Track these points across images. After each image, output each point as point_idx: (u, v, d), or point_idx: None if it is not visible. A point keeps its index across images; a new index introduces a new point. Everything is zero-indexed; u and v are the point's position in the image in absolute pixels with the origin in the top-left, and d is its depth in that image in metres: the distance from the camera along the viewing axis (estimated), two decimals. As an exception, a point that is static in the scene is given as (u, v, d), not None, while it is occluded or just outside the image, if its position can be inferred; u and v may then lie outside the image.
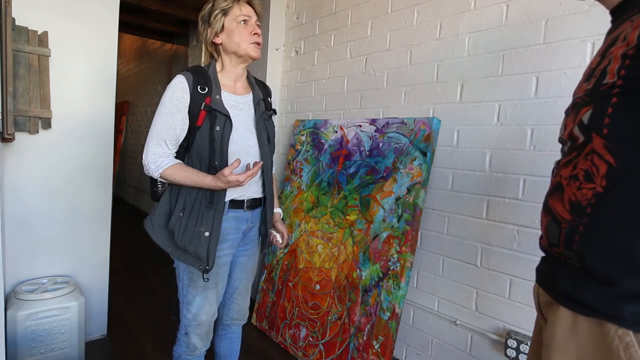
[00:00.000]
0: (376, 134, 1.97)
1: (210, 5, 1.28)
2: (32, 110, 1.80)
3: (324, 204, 2.15)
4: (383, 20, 2.06)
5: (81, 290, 1.97)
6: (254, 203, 1.35)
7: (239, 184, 1.17)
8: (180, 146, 1.26)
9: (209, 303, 1.31)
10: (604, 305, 0.57)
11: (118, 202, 6.08)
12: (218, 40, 1.29)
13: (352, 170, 2.04)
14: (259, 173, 1.35)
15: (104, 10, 2.00)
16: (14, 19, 1.72)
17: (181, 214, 1.22)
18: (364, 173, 1.98)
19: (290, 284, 2.21)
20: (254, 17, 1.31)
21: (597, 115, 0.60)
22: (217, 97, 1.24)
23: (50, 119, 1.86)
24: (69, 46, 1.91)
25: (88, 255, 2.07)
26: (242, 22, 1.27)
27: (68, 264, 2.01)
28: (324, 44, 2.43)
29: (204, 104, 1.21)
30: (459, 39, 1.72)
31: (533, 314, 1.45)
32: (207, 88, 1.23)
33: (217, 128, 1.22)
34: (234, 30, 1.27)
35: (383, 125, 1.95)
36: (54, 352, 1.81)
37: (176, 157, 1.27)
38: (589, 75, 0.68)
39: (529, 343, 1.43)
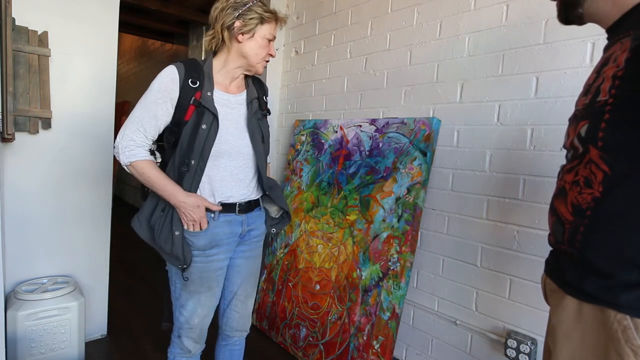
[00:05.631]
0: (376, 134, 1.97)
1: (251, 2, 1.22)
2: (32, 110, 1.80)
3: (324, 204, 2.15)
4: (383, 20, 2.06)
5: (81, 290, 1.97)
6: (247, 206, 1.31)
7: (194, 223, 1.18)
8: (167, 142, 1.22)
9: (202, 306, 1.28)
10: (604, 295, 0.65)
11: (118, 202, 6.07)
12: (241, 39, 1.23)
13: (352, 170, 2.04)
14: (254, 174, 1.33)
15: (104, 10, 2.00)
16: (14, 19, 1.72)
17: (162, 213, 1.20)
18: (364, 173, 1.98)
19: (290, 284, 2.21)
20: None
21: (592, 129, 0.68)
22: (209, 94, 1.20)
23: (50, 119, 1.86)
24: (69, 46, 1.91)
25: (88, 255, 2.07)
26: (268, 40, 1.27)
27: (68, 264, 2.01)
28: (324, 44, 2.43)
29: (193, 98, 1.18)
30: (459, 39, 1.72)
31: (533, 313, 1.45)
32: (198, 82, 1.19)
33: (203, 126, 1.18)
34: (259, 42, 1.25)
35: (383, 125, 1.95)
36: (54, 352, 1.81)
37: (163, 154, 1.24)
38: (587, 90, 0.75)
39: (529, 343, 1.43)
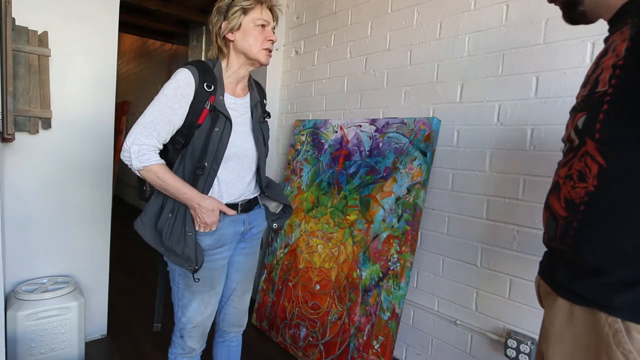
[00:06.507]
0: (376, 134, 1.97)
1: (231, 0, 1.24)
2: (32, 110, 1.80)
3: (324, 204, 2.15)
4: (383, 20, 2.06)
5: (81, 290, 1.97)
6: (248, 205, 1.34)
7: (206, 226, 1.19)
8: (176, 143, 1.21)
9: (205, 305, 1.29)
10: (596, 296, 0.63)
11: (118, 202, 6.07)
12: (231, 37, 1.24)
13: (352, 170, 2.04)
14: (254, 174, 1.35)
15: (104, 10, 2.00)
16: (14, 19, 1.72)
17: (170, 215, 1.19)
18: (364, 173, 1.98)
19: (290, 284, 2.21)
20: (272, 24, 1.29)
21: (590, 120, 0.65)
22: (221, 97, 1.22)
23: (50, 119, 1.86)
24: (69, 46, 1.91)
25: (88, 255, 2.07)
26: (260, 26, 1.25)
27: (68, 264, 2.01)
28: (324, 44, 2.43)
29: (208, 102, 1.18)
30: (459, 39, 1.72)
31: (533, 313, 1.45)
32: (213, 86, 1.20)
33: (217, 129, 1.19)
34: (250, 32, 1.24)
35: (383, 125, 1.95)
36: (54, 352, 1.81)
37: (170, 155, 1.23)
38: (585, 82, 0.73)
39: (529, 343, 1.43)
